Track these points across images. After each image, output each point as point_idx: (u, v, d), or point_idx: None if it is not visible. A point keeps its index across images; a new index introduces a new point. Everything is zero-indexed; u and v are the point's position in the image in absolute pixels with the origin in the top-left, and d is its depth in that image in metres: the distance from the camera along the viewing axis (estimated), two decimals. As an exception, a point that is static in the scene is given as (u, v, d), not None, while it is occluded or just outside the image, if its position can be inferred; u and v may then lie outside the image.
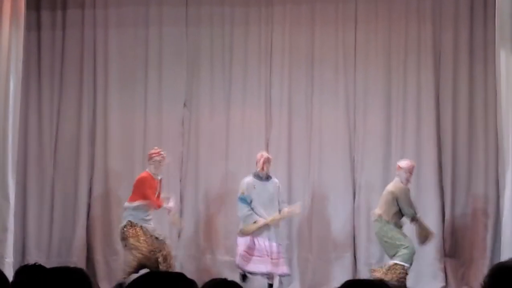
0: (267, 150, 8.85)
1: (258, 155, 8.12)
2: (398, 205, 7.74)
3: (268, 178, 8.10)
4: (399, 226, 7.81)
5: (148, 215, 7.93)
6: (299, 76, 8.88)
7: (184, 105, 8.97)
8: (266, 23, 8.93)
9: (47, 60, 9.03)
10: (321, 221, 8.68)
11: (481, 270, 8.23)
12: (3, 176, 7.96)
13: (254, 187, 7.98)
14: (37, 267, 3.63)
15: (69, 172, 8.91)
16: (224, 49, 8.95)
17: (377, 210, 7.84)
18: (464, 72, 8.62)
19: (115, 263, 8.72)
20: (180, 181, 8.89)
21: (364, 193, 8.66)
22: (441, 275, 8.40)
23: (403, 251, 7.65)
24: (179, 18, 8.98)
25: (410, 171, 7.78)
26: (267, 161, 8.08)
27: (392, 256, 7.71)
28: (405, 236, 7.76)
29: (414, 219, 7.78)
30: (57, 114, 8.97)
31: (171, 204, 8.05)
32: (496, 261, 7.82)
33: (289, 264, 8.63)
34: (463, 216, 8.53)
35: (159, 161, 8.03)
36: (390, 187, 7.83)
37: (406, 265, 7.64)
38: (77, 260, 8.59)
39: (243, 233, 7.94)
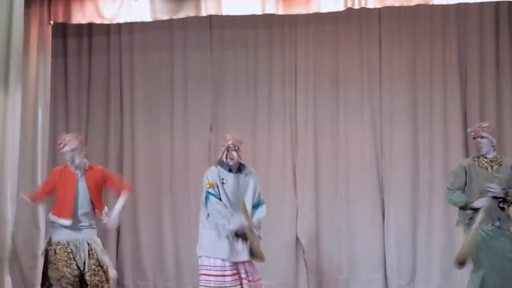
0: (294, 171, 8.84)
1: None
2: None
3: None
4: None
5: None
6: (324, 96, 8.87)
7: (211, 129, 8.99)
8: (289, 44, 8.94)
9: (74, 86, 9.12)
10: (350, 242, 8.63)
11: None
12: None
13: None
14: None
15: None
16: (248, 71, 8.98)
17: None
18: (491, 88, 8.56)
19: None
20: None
21: (393, 212, 8.60)
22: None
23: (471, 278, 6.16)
24: (203, 41, 9.02)
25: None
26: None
27: None
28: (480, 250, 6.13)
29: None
30: (84, 140, 9.01)
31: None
32: None
33: (319, 285, 8.60)
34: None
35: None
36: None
37: None
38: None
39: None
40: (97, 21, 8.21)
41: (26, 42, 8.04)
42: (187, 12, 8.02)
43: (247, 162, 8.78)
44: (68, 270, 6.45)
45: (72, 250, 6.51)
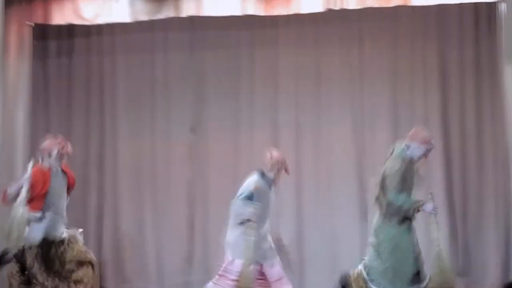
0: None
1: (277, 154, 6.97)
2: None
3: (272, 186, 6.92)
4: None
5: None
6: (305, 97, 8.88)
7: (192, 129, 8.98)
8: (271, 45, 8.94)
9: (55, 88, 9.12)
10: (333, 243, 8.63)
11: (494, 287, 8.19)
12: (13, 206, 7.96)
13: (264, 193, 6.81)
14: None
15: (79, 200, 8.90)
16: (230, 72, 8.98)
17: None
18: (471, 89, 8.59)
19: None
20: (188, 206, 8.87)
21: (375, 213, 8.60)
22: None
23: None
24: (185, 42, 9.03)
25: None
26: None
27: None
28: None
29: None
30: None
31: None
32: (506, 278, 7.82)
33: (302, 287, 8.60)
34: (474, 235, 8.45)
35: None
36: None
37: None
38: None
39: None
40: (77, 22, 8.22)
41: (6, 43, 8.03)
42: (167, 13, 8.03)
43: (229, 164, 8.86)
44: None
45: None
